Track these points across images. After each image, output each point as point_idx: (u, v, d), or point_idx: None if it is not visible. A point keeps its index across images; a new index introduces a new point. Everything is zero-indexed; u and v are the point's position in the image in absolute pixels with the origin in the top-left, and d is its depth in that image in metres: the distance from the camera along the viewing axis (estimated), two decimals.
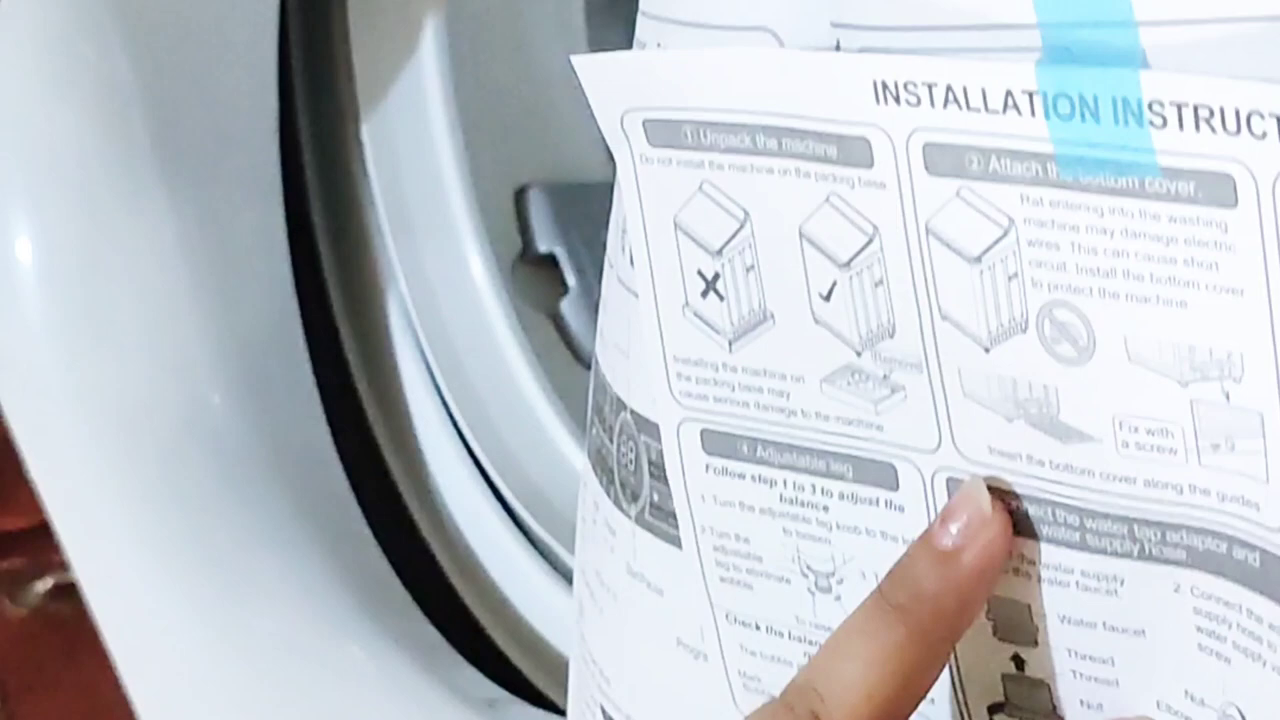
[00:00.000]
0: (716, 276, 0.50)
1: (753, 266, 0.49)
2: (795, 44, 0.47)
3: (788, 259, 0.48)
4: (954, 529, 0.47)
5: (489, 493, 0.88)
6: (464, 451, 0.89)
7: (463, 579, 0.89)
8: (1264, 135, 0.40)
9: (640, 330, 0.52)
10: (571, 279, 0.89)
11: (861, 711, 0.47)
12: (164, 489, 0.85)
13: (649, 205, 0.50)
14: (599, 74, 0.49)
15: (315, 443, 0.89)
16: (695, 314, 0.51)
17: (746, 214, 0.49)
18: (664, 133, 0.49)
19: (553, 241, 0.89)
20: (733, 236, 0.49)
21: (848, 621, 0.48)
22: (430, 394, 0.90)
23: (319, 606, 0.85)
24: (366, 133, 0.89)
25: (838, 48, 0.46)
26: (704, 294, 0.50)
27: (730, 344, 0.50)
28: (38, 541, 0.91)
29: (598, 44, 0.88)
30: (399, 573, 0.89)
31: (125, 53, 0.82)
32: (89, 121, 0.83)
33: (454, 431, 0.89)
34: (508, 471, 0.87)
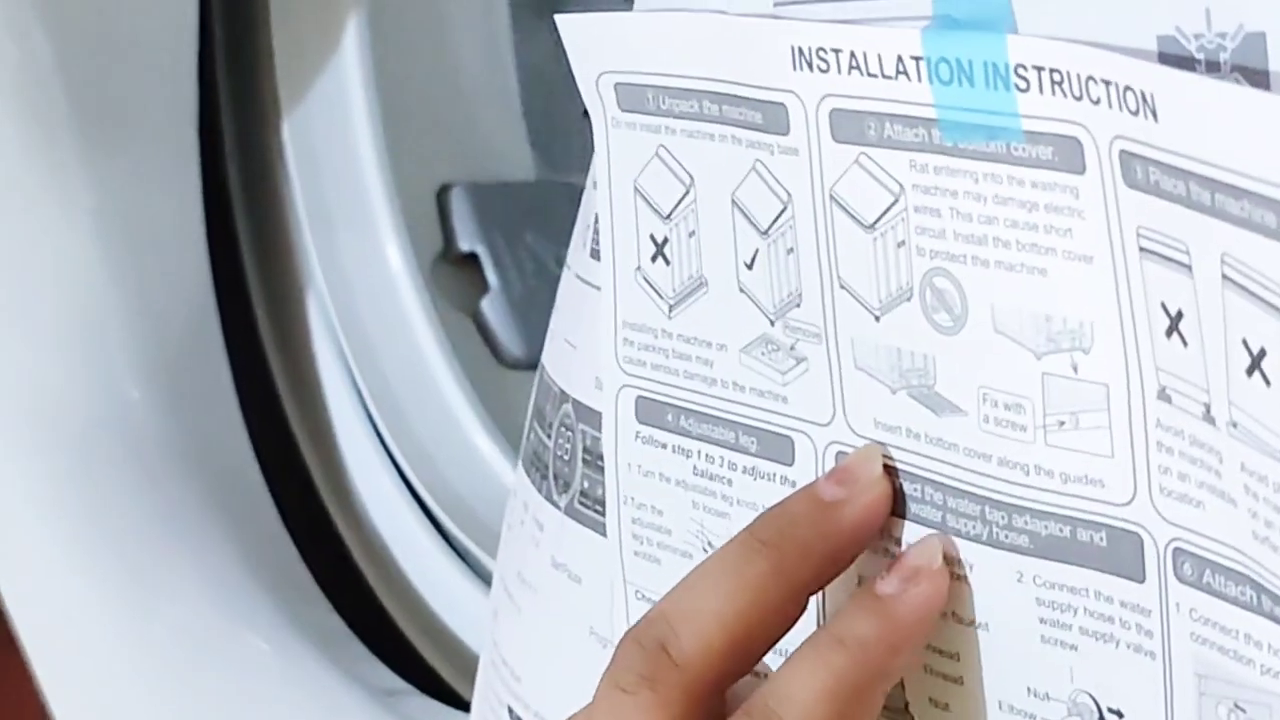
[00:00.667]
0: (665, 241, 0.53)
1: (694, 232, 0.52)
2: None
3: (722, 226, 0.51)
4: (840, 482, 0.48)
5: (403, 487, 0.90)
6: (380, 447, 0.90)
7: (375, 572, 0.90)
8: (1098, 101, 0.42)
9: (597, 309, 0.55)
10: (492, 278, 0.89)
11: (713, 639, 0.46)
12: (77, 480, 0.87)
13: (615, 168, 0.53)
14: (578, 33, 0.52)
15: (231, 439, 0.90)
16: (644, 278, 0.53)
17: (692, 179, 0.51)
18: (632, 97, 0.52)
19: (474, 240, 0.90)
20: (680, 201, 0.52)
21: (712, 556, 0.48)
22: (348, 390, 0.91)
23: (228, 599, 0.86)
24: (288, 130, 0.91)
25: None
26: (653, 258, 0.53)
27: (670, 309, 0.53)
28: None
29: (522, 44, 0.87)
30: (312, 566, 0.90)
31: (47, 42, 0.84)
32: (6, 108, 0.85)
33: (371, 428, 0.90)
34: (422, 467, 0.88)
